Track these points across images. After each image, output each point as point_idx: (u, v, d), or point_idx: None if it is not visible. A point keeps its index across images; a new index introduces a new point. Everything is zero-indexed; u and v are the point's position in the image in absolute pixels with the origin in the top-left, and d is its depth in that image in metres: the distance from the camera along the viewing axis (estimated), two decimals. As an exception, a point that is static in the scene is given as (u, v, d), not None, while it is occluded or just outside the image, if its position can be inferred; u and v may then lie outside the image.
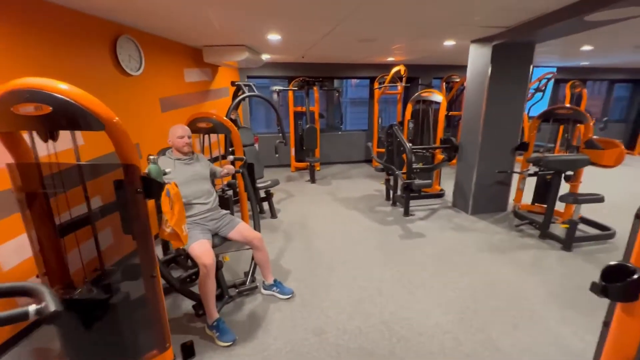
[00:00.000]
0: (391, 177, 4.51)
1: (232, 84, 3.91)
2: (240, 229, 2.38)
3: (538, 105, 6.84)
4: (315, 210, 4.35)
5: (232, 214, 3.35)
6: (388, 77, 5.89)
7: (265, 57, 5.08)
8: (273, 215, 4.10)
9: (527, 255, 3.08)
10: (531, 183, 3.94)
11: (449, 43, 4.04)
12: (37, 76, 2.24)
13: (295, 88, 5.83)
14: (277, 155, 5.07)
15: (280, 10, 2.55)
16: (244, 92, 3.88)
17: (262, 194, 4.11)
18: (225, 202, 3.30)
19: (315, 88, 5.94)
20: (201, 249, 2.07)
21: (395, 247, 3.29)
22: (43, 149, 1.61)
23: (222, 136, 4.04)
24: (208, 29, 3.08)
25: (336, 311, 2.33)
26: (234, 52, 4.03)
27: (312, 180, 5.66)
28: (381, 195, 4.94)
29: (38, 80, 1.33)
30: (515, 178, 4.01)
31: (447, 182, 4.98)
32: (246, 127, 4.14)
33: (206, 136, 3.37)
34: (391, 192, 4.56)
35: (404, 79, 5.81)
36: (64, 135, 1.60)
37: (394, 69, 5.59)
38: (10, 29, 1.96)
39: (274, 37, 3.46)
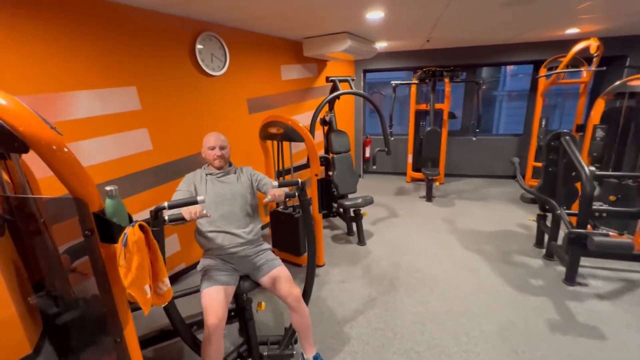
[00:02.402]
0: (549, 214, 2.90)
1: (327, 79, 3.31)
2: (275, 275, 1.75)
3: None
4: (420, 243, 3.27)
5: (297, 239, 2.80)
6: (565, 59, 3.95)
7: (380, 45, 4.22)
8: (361, 241, 3.31)
9: None
10: None
11: None
12: (112, 82, 2.27)
13: (417, 81, 4.70)
14: (374, 167, 4.19)
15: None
16: (338, 89, 3.21)
17: (351, 213, 3.37)
18: (294, 224, 2.77)
19: (446, 80, 4.64)
20: (210, 301, 1.57)
21: (541, 349, 1.93)
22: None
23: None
24: (294, 14, 2.54)
25: None
26: (334, 42, 3.39)
27: (428, 197, 4.47)
28: (528, 235, 3.33)
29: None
30: None
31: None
32: (342, 130, 3.48)
33: (284, 143, 2.91)
34: (545, 235, 2.95)
35: (595, 60, 3.75)
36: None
37: (579, 46, 3.67)
38: (89, 35, 1.95)
39: (375, 15, 2.62)
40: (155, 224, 1.43)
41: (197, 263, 1.84)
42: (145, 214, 2.40)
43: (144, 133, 2.35)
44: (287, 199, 2.17)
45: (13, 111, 0.97)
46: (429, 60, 4.96)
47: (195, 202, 1.38)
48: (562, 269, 2.63)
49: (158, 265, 1.29)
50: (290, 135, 2.55)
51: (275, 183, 1.66)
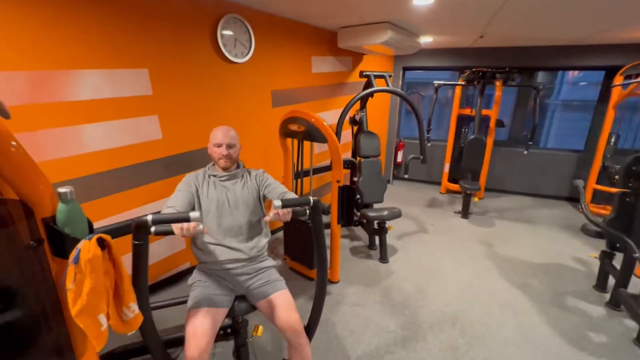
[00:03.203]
0: (619, 254, 2.37)
1: (361, 74, 2.97)
2: (274, 300, 1.48)
3: None
4: (452, 267, 2.85)
5: (311, 251, 2.51)
6: (651, 66, 3.29)
7: (425, 39, 3.78)
8: (383, 257, 2.95)
9: None
10: None
11: None
12: (121, 62, 2.07)
13: (463, 83, 4.20)
14: (405, 176, 3.78)
15: None
16: (372, 86, 2.86)
17: (375, 225, 3.02)
18: (308, 233, 2.48)
19: (497, 83, 4.10)
20: (193, 327, 1.32)
21: None
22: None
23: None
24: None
25: None
26: (373, 33, 3.02)
27: (464, 213, 3.99)
28: (587, 274, 2.79)
29: None
30: None
31: None
32: (372, 132, 3.12)
33: (307, 143, 2.62)
34: (611, 278, 2.42)
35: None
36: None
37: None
38: (97, 9, 1.77)
39: (423, 1, 2.23)
40: (139, 237, 1.17)
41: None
42: (150, 208, 2.22)
43: (154, 120, 2.15)
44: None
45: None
46: (478, 60, 4.42)
47: (187, 219, 1.09)
48: (631, 325, 2.12)
49: (123, 288, 1.04)
50: (312, 134, 2.26)
51: (279, 202, 1.25)
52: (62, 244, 0.93)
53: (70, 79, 1.73)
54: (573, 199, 4.58)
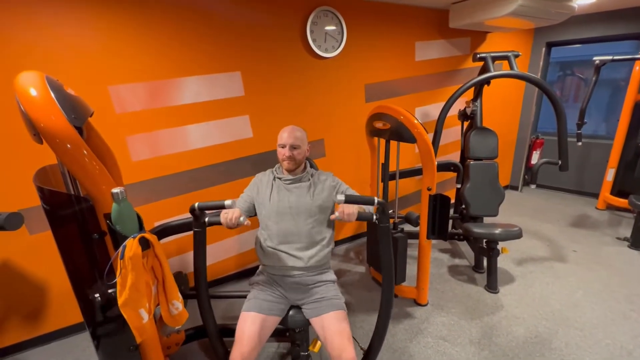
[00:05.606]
0: None
1: (475, 57, 2.38)
2: (327, 322, 1.33)
3: None
4: (596, 319, 2.03)
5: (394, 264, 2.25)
6: None
7: (580, 1, 2.79)
8: (491, 285, 2.35)
9: None
10: None
11: None
12: (217, 67, 2.23)
13: (648, 55, 2.91)
14: (532, 187, 2.89)
15: None
16: (489, 70, 2.25)
17: (483, 243, 2.45)
18: (386, 243, 2.19)
19: None
20: (240, 331, 1.31)
21: None
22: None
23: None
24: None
25: None
26: (496, 2, 2.39)
27: (635, 242, 2.82)
28: None
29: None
30: None
31: None
32: (488, 128, 2.50)
33: (393, 143, 2.31)
34: None
35: None
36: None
37: None
38: (197, 29, 1.98)
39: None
40: (196, 225, 1.36)
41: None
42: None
43: (245, 120, 2.29)
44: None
45: (36, 103, 0.90)
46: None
47: (222, 207, 1.22)
48: None
49: (167, 285, 1.09)
50: (400, 132, 1.94)
51: (342, 196, 1.18)
52: (117, 239, 1.03)
53: (176, 85, 1.99)
54: None
